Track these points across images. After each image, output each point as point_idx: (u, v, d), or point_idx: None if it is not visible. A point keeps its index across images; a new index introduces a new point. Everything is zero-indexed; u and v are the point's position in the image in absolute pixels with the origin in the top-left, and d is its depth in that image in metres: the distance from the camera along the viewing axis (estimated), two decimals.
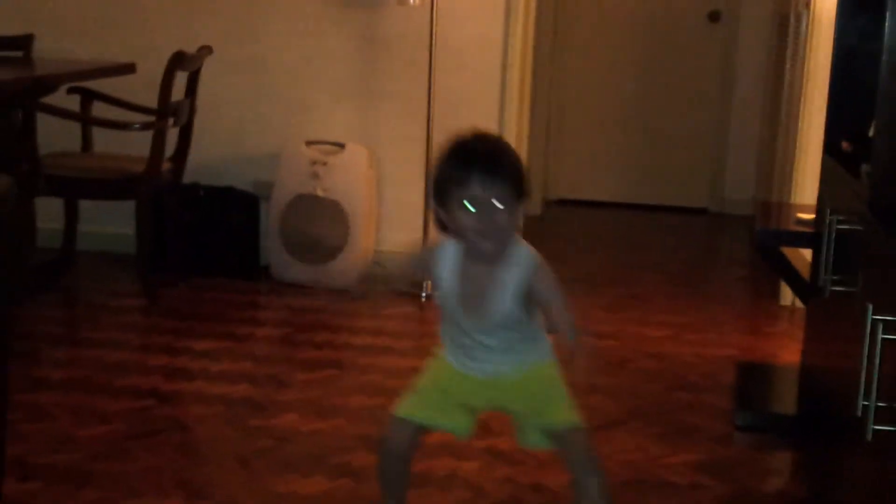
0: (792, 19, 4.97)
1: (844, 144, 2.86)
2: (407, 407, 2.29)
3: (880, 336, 1.84)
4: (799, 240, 3.29)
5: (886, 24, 2.24)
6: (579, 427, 2.29)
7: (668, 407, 3.31)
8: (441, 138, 4.44)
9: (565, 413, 2.29)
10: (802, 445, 2.99)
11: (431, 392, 2.30)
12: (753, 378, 3.53)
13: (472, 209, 2.08)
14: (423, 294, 4.40)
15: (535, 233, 5.59)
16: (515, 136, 4.70)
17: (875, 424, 1.85)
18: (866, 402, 1.87)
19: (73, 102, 4.42)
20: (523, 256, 2.19)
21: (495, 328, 2.22)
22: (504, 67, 4.55)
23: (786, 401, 3.41)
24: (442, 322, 2.31)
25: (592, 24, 6.45)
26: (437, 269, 2.23)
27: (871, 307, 1.89)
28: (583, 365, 2.18)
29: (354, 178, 4.44)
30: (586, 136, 6.54)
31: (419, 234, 4.51)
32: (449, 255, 2.21)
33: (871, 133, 2.43)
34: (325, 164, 4.43)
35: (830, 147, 3.00)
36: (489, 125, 4.58)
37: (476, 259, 2.17)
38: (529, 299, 2.21)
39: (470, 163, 2.09)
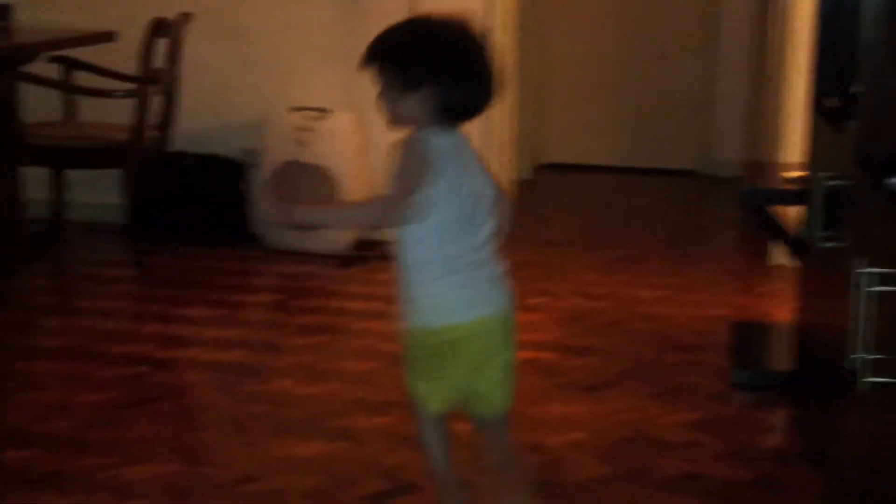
0: None
1: (829, 101, 2.86)
2: (435, 402, 2.19)
3: (870, 289, 1.84)
4: (786, 198, 3.29)
5: None
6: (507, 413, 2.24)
7: (663, 367, 3.33)
8: None
9: (508, 392, 2.23)
10: (798, 402, 3.01)
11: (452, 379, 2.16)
12: (748, 337, 3.54)
13: None
14: None
15: (526, 197, 5.59)
16: (502, 100, 4.67)
17: (867, 377, 1.86)
18: (857, 355, 1.88)
19: (55, 71, 4.38)
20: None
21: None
22: (487, 30, 4.52)
23: (780, 358, 3.42)
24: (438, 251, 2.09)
25: None
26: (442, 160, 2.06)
27: (859, 260, 1.89)
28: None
29: (341, 144, 4.42)
30: (575, 101, 6.51)
31: None
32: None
33: (854, 89, 2.43)
34: (311, 130, 4.40)
35: (816, 104, 3.00)
36: None
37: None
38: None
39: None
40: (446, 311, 2.09)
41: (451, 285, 2.09)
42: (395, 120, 2.09)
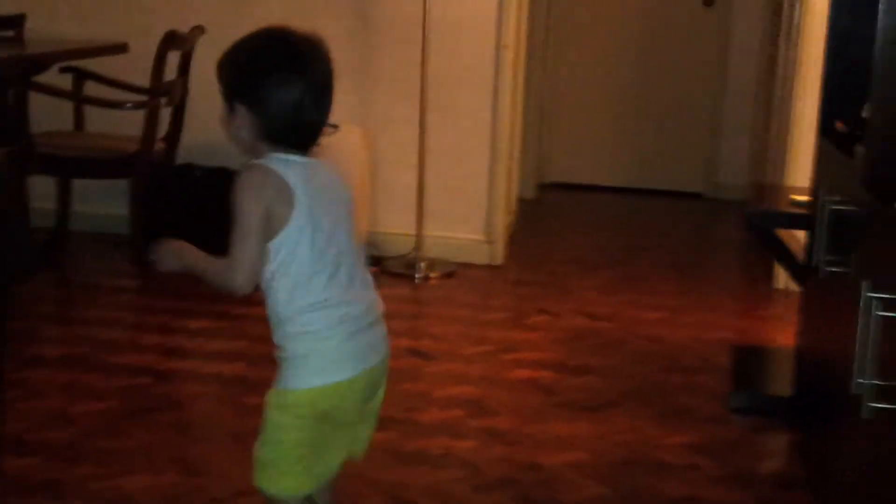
0: (785, 3, 4.97)
1: (839, 125, 2.86)
2: (299, 483, 1.89)
3: (876, 313, 1.84)
4: (793, 221, 3.29)
5: (880, 5, 2.25)
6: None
7: (663, 388, 3.32)
8: (435, 119, 4.48)
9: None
10: (798, 426, 3.00)
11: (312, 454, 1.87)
12: (748, 360, 3.54)
13: None
14: (417, 275, 4.40)
15: (530, 215, 5.60)
16: (510, 118, 4.69)
17: (872, 402, 1.85)
18: (862, 381, 1.88)
19: (66, 81, 4.40)
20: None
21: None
22: (498, 48, 4.54)
23: (781, 382, 3.41)
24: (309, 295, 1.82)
25: (587, 7, 6.44)
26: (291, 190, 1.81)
27: (866, 284, 1.89)
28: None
29: (349, 159, 4.42)
30: (581, 120, 6.53)
31: (413, 215, 4.51)
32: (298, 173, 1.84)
33: (864, 113, 2.43)
34: (319, 145, 4.40)
35: (825, 128, 3.01)
36: (483, 105, 4.59)
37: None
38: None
39: None
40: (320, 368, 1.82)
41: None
42: (235, 143, 1.87)
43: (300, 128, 1.85)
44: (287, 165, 1.82)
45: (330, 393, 1.83)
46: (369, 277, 1.95)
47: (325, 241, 1.82)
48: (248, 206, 1.77)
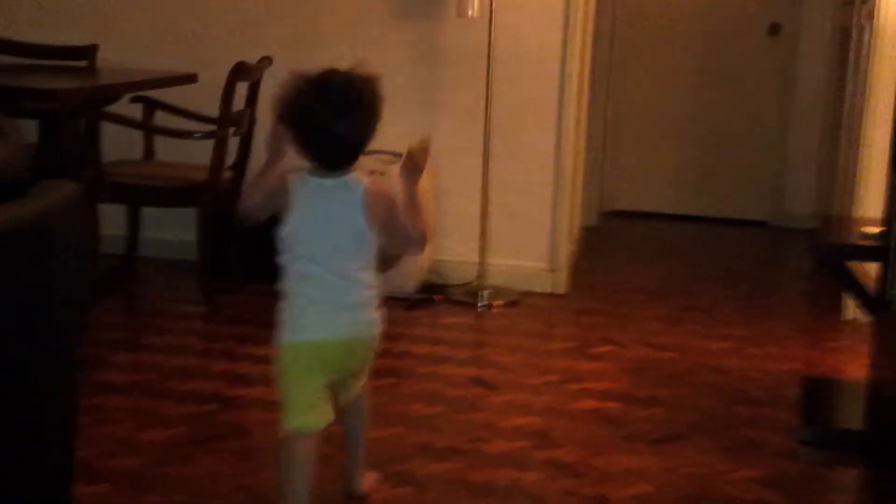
0: (854, 32, 4.91)
1: None
2: (301, 417, 2.39)
3: None
4: (865, 253, 3.24)
5: None
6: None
7: (730, 421, 3.28)
8: (499, 147, 4.49)
9: (364, 378, 2.56)
10: (870, 462, 2.94)
11: (310, 392, 2.40)
12: (818, 393, 3.47)
13: None
14: (480, 304, 4.40)
15: (592, 244, 5.58)
16: (573, 146, 4.68)
17: None
18: None
19: (137, 111, 4.48)
20: None
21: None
22: (562, 78, 4.54)
23: (852, 416, 3.35)
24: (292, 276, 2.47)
25: (651, 36, 6.42)
26: None
27: None
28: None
29: None
30: (644, 148, 6.50)
31: (476, 243, 4.51)
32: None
33: None
34: (382, 173, 4.43)
35: None
36: (547, 134, 4.59)
37: None
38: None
39: None
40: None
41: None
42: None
43: (316, 143, 2.34)
44: (302, 179, 2.37)
45: (286, 350, 2.46)
46: (359, 279, 2.41)
47: (305, 242, 2.40)
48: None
